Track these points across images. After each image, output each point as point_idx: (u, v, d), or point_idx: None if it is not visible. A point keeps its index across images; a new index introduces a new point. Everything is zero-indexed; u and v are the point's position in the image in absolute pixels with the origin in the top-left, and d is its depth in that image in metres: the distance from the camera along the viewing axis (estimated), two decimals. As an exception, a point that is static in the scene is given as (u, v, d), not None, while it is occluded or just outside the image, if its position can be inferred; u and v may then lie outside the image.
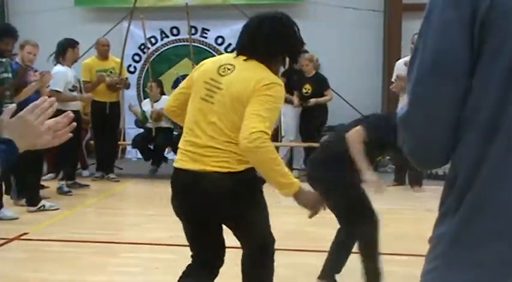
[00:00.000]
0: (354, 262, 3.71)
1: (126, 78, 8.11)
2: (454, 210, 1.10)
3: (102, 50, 7.74)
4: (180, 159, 2.54)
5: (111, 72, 7.71)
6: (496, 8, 1.04)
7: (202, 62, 2.72)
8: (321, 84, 7.92)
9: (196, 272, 2.69)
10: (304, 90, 7.93)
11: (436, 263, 1.13)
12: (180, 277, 2.73)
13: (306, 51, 8.36)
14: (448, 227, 1.11)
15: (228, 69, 2.51)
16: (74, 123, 1.59)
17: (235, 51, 2.61)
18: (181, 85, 2.75)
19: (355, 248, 3.56)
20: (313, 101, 7.80)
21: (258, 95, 2.36)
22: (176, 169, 2.57)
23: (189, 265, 2.73)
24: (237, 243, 4.57)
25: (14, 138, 1.45)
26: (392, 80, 7.02)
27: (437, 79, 1.10)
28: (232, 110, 2.42)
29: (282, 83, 2.48)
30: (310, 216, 2.54)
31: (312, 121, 7.97)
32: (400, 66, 6.73)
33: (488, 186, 1.06)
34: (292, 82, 7.99)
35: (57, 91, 6.56)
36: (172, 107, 2.75)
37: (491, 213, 1.06)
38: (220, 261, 2.72)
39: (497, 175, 1.05)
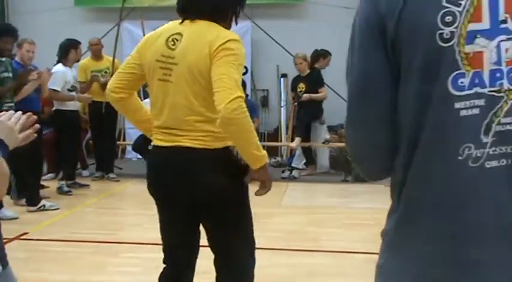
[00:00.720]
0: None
1: None
2: (395, 211, 1.19)
3: (93, 50, 7.77)
4: (155, 138, 2.37)
5: (105, 72, 7.72)
6: (402, 27, 1.09)
7: (146, 36, 2.44)
8: (314, 83, 7.84)
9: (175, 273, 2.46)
10: (298, 89, 7.90)
11: (384, 257, 1.22)
12: None
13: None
14: (390, 225, 1.20)
15: (177, 39, 2.25)
16: (37, 125, 1.69)
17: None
18: (127, 62, 2.42)
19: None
20: (305, 96, 7.73)
21: (219, 59, 2.13)
22: (153, 147, 2.41)
23: (161, 275, 2.48)
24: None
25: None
26: None
27: (362, 101, 1.19)
28: (194, 83, 2.19)
29: (238, 37, 2.24)
30: (261, 194, 2.29)
31: (304, 118, 7.92)
32: None
33: (412, 191, 1.13)
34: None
35: (54, 90, 6.56)
36: (116, 88, 2.39)
37: (417, 215, 1.13)
38: (191, 271, 2.48)
39: (419, 181, 1.12)
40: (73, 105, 6.86)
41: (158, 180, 2.39)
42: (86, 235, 4.90)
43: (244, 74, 10.14)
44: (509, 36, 1.05)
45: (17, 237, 4.80)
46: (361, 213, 5.82)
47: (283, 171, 8.03)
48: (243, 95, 2.13)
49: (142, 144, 8.07)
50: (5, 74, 5.51)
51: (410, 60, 1.10)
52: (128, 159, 9.39)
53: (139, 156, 8.25)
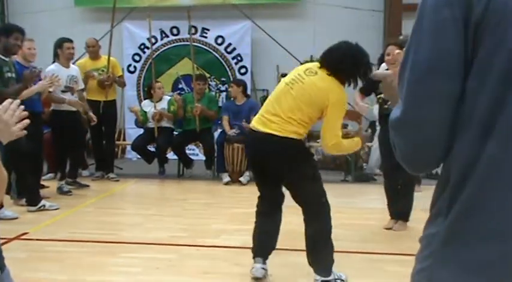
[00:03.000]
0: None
1: (120, 76, 8.11)
2: (447, 210, 1.10)
3: (90, 51, 7.81)
4: (255, 122, 3.55)
5: (102, 70, 7.74)
6: (492, 12, 1.03)
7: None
8: None
9: (267, 208, 3.75)
10: None
11: (428, 262, 1.13)
12: (257, 214, 3.77)
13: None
14: (440, 227, 1.12)
15: (312, 72, 3.49)
16: (27, 121, 1.71)
17: (319, 63, 3.55)
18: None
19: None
20: None
21: (333, 106, 3.39)
22: (251, 129, 3.57)
23: (259, 204, 3.77)
24: (236, 243, 4.58)
25: None
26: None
27: (433, 78, 1.08)
28: (303, 101, 3.39)
29: (344, 94, 3.49)
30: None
31: None
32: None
33: (482, 185, 1.05)
34: None
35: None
36: None
37: (487, 212, 1.05)
38: (281, 200, 3.75)
39: (492, 175, 1.04)
40: (69, 106, 6.81)
41: (254, 151, 3.65)
42: (85, 235, 4.89)
43: (244, 74, 10.17)
44: None
45: (17, 237, 4.80)
46: (361, 213, 5.82)
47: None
48: (339, 133, 3.44)
49: (140, 144, 8.08)
50: (9, 74, 5.52)
51: (499, 43, 1.02)
52: (127, 159, 9.39)
53: (139, 156, 8.25)
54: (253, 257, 3.76)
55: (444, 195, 1.12)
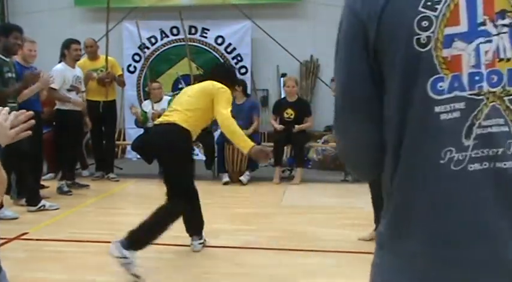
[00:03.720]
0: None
1: (120, 75, 8.10)
2: (385, 214, 1.20)
3: (88, 52, 7.81)
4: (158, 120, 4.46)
5: (101, 70, 7.74)
6: (382, 31, 1.10)
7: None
8: (305, 110, 7.81)
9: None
10: (285, 115, 7.73)
11: (377, 259, 1.23)
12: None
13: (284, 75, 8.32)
14: (383, 227, 1.21)
15: (197, 83, 4.53)
16: (32, 121, 1.71)
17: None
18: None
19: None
20: (298, 127, 7.63)
21: (219, 93, 4.20)
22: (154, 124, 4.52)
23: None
24: (236, 243, 4.58)
25: None
26: None
27: (346, 110, 1.21)
28: (193, 94, 4.31)
29: (226, 88, 4.25)
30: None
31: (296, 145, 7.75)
32: None
33: (398, 198, 1.15)
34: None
35: (52, 88, 6.54)
36: None
37: (405, 220, 1.14)
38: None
39: (407, 183, 1.12)
40: (73, 105, 6.84)
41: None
42: (85, 235, 4.90)
43: (244, 74, 10.18)
44: (488, 39, 1.06)
45: (17, 237, 4.80)
46: (361, 213, 5.81)
47: (283, 171, 8.02)
48: (225, 112, 4.16)
49: (141, 144, 8.07)
50: (9, 74, 5.53)
51: (391, 65, 1.11)
52: (127, 159, 9.39)
53: (139, 156, 8.24)
54: (190, 236, 4.39)
55: (385, 199, 1.21)
